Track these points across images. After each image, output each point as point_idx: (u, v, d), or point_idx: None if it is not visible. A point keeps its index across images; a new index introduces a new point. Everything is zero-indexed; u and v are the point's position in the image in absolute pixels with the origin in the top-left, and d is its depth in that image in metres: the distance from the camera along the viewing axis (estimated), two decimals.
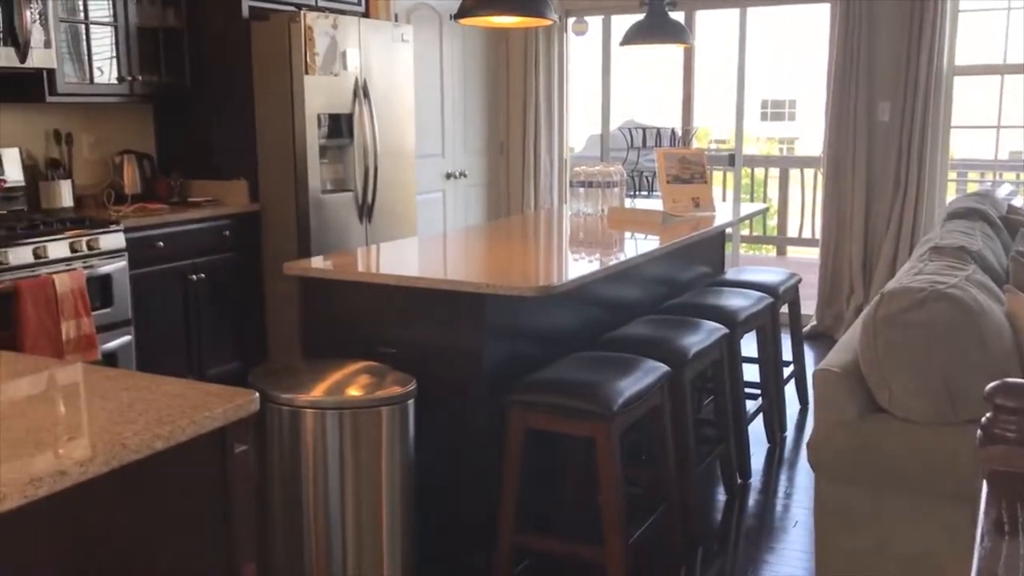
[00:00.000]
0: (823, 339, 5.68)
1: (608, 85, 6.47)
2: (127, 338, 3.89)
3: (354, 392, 2.55)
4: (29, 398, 1.65)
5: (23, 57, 3.73)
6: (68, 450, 1.33)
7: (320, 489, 2.50)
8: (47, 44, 3.81)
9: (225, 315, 4.45)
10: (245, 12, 4.48)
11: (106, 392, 1.60)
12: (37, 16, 3.75)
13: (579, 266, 3.13)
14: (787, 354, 4.43)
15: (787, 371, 4.42)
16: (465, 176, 6.27)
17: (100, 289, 3.77)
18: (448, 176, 6.12)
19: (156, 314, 4.09)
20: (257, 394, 1.60)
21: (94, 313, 3.68)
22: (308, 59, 4.41)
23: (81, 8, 4.12)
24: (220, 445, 1.57)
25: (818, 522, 2.33)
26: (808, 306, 5.51)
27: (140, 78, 4.36)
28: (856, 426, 2.27)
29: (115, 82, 4.28)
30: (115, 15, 4.24)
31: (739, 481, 3.62)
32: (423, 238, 4.26)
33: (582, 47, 6.80)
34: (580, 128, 7.17)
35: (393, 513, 2.56)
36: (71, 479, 1.29)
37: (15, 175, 4.08)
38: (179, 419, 1.46)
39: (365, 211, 4.86)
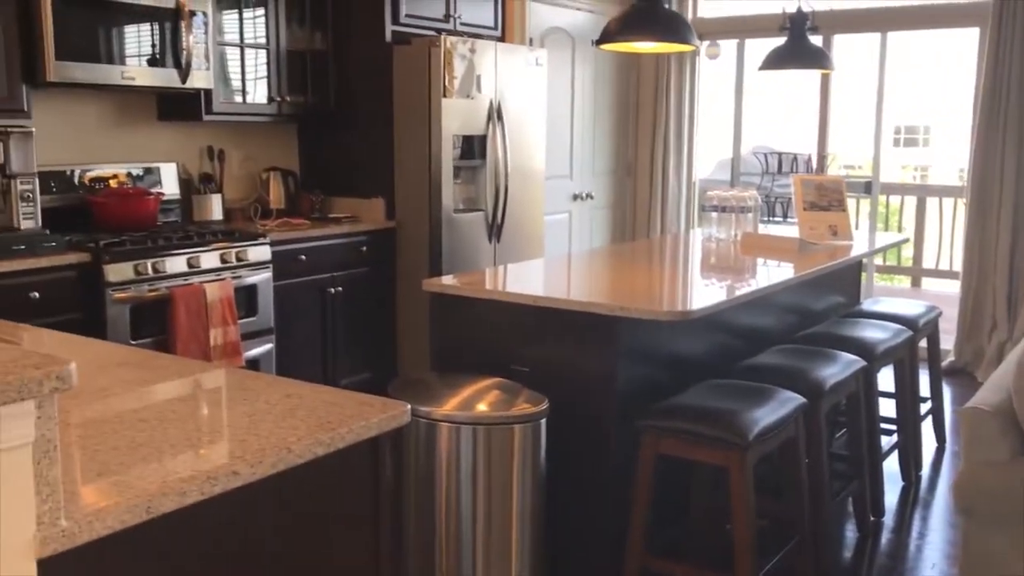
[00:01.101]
0: (962, 375, 5.44)
1: (740, 109, 6.40)
2: (269, 346, 4.06)
3: (488, 408, 2.60)
4: (199, 399, 1.75)
5: (184, 78, 3.97)
6: (239, 451, 1.41)
7: (453, 501, 2.55)
8: (206, 66, 4.04)
9: (358, 327, 4.60)
10: (388, 37, 4.64)
11: (269, 397, 1.69)
12: (199, 40, 3.98)
13: (715, 292, 3.11)
14: (924, 390, 4.27)
15: (924, 407, 4.25)
16: (592, 198, 6.30)
17: (246, 298, 3.96)
18: (575, 197, 6.16)
19: (296, 324, 4.26)
20: (409, 406, 1.66)
21: (239, 321, 3.87)
22: (446, 82, 4.53)
23: (237, 32, 4.35)
24: (373, 453, 1.63)
25: (963, 567, 2.24)
26: (946, 340, 5.29)
27: (288, 99, 4.57)
28: (1008, 468, 2.18)
29: (265, 102, 4.50)
30: (268, 39, 4.46)
31: (872, 519, 3.50)
32: (555, 259, 4.30)
33: (712, 70, 6.74)
34: (708, 152, 7.11)
35: (523, 530, 2.59)
36: (242, 479, 1.37)
37: (172, 189, 4.33)
38: (338, 426, 1.53)
39: (495, 230, 4.94)
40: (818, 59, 4.33)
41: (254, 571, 1.45)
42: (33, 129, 3.50)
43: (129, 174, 4.16)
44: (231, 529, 1.41)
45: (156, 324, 3.62)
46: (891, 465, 3.88)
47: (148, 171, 4.25)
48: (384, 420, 1.61)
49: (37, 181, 3.53)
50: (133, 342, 3.54)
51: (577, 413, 2.78)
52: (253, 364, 3.95)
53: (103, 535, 1.19)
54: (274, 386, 1.76)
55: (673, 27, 3.02)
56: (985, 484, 2.20)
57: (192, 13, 3.94)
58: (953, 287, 6.97)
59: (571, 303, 2.77)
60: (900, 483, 3.90)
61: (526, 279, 3.41)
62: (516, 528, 2.58)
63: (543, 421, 2.63)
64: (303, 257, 4.28)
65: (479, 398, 2.67)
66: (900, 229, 8.46)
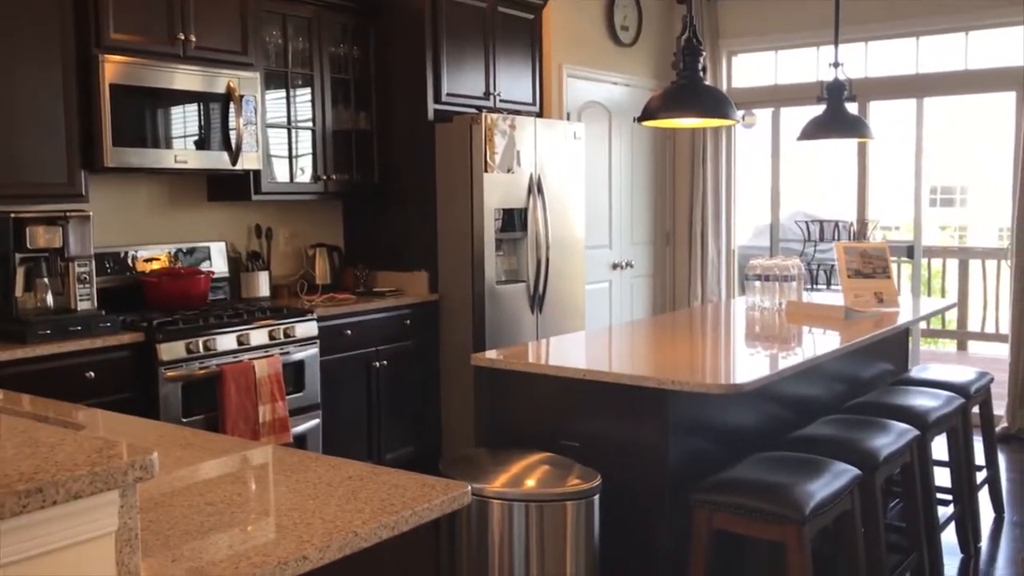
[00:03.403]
0: (1015, 442, 5.33)
1: (777, 176, 6.43)
2: (315, 421, 4.09)
3: (539, 485, 2.59)
4: (263, 482, 1.78)
5: (235, 160, 4.09)
6: (307, 535, 1.43)
7: None
8: (256, 147, 4.16)
9: (403, 400, 4.62)
10: (431, 115, 4.75)
11: (332, 480, 1.70)
12: (249, 122, 4.11)
13: (763, 363, 3.10)
14: (978, 458, 4.19)
15: (979, 476, 4.16)
16: (631, 267, 6.33)
17: (293, 374, 4.00)
18: (615, 266, 6.19)
19: (341, 399, 4.29)
20: (469, 487, 1.67)
21: (287, 397, 3.90)
22: (488, 157, 4.62)
23: (284, 113, 4.49)
24: (433, 534, 1.64)
25: None
26: (997, 406, 5.19)
27: (333, 177, 4.68)
28: None
29: (311, 181, 4.60)
30: (313, 119, 4.59)
31: None
32: (600, 330, 4.31)
33: (748, 137, 6.80)
34: (746, 219, 7.13)
35: None
36: (311, 563, 1.38)
37: (221, 267, 4.43)
38: (401, 509, 1.54)
39: (536, 301, 4.97)
40: (857, 128, 4.36)
41: None
42: (90, 213, 3.61)
43: (180, 253, 4.26)
44: None
45: (207, 401, 3.67)
46: (949, 537, 3.79)
47: (198, 250, 4.35)
48: (446, 502, 1.62)
49: (93, 263, 3.63)
50: (184, 420, 3.59)
51: (628, 488, 2.77)
52: (300, 440, 3.97)
53: None
54: (336, 468, 1.78)
55: (714, 103, 3.07)
56: None
57: (242, 97, 4.07)
58: (999, 350, 6.86)
59: (620, 376, 2.78)
60: (959, 555, 3.81)
61: (573, 352, 3.42)
62: None
63: (596, 497, 2.62)
64: (348, 332, 4.34)
65: (530, 474, 2.67)
66: (943, 292, 8.37)
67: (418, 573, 1.62)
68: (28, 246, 3.41)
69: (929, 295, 8.06)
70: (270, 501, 1.66)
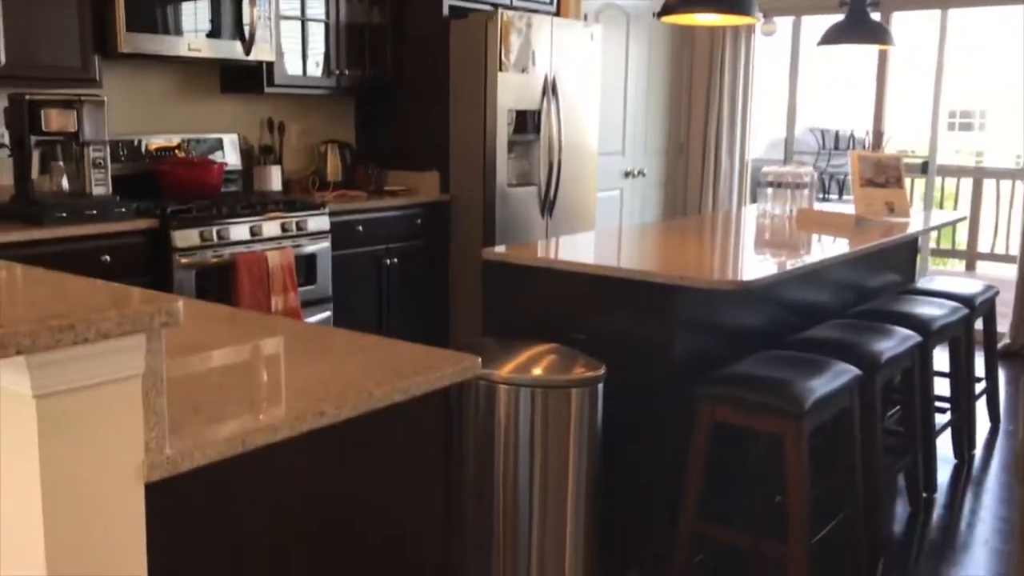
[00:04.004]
0: (1017, 358, 5.39)
1: (795, 87, 6.35)
2: (327, 314, 4.16)
3: (546, 372, 2.65)
4: (283, 350, 1.83)
5: (248, 50, 4.05)
6: (324, 394, 1.48)
7: (511, 463, 2.61)
8: (269, 39, 4.12)
9: (413, 298, 4.68)
10: (445, 11, 4.68)
11: (348, 348, 1.76)
12: (263, 13, 4.06)
13: (772, 264, 3.12)
14: (979, 370, 4.25)
15: (978, 388, 4.23)
16: (643, 175, 6.31)
17: (305, 267, 4.05)
18: (627, 174, 6.17)
19: (352, 293, 4.35)
20: (479, 358, 1.72)
21: (299, 289, 3.96)
22: (502, 56, 4.57)
23: (298, 5, 4.43)
24: (444, 404, 1.70)
25: (1019, 533, 2.25)
26: (1001, 324, 5.24)
27: (346, 72, 4.64)
28: None
29: (323, 75, 4.57)
30: (327, 13, 4.53)
31: (924, 495, 3.51)
32: (610, 231, 4.33)
33: (767, 48, 6.69)
34: (761, 131, 7.07)
35: (579, 492, 2.64)
36: (327, 419, 1.43)
37: (233, 159, 4.44)
38: (414, 375, 1.59)
39: (547, 206, 4.98)
40: (878, 34, 4.29)
41: (334, 509, 1.52)
42: (105, 98, 3.60)
43: (193, 143, 4.27)
44: (314, 467, 1.47)
45: (220, 290, 3.72)
46: (944, 443, 3.87)
47: (210, 141, 4.35)
48: (457, 371, 1.67)
49: (108, 149, 3.64)
50: None
51: (633, 381, 2.83)
52: None
53: (203, 464, 1.27)
54: (351, 339, 1.83)
55: None
56: None
57: None
58: (1008, 271, 6.87)
59: (630, 272, 2.81)
60: (952, 461, 3.90)
61: (581, 249, 3.45)
62: (572, 490, 2.64)
63: (600, 386, 2.68)
64: (360, 228, 4.36)
65: (537, 362, 2.72)
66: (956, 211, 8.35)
67: (429, 438, 1.68)
68: (43, 129, 3.42)
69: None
70: (288, 364, 1.71)
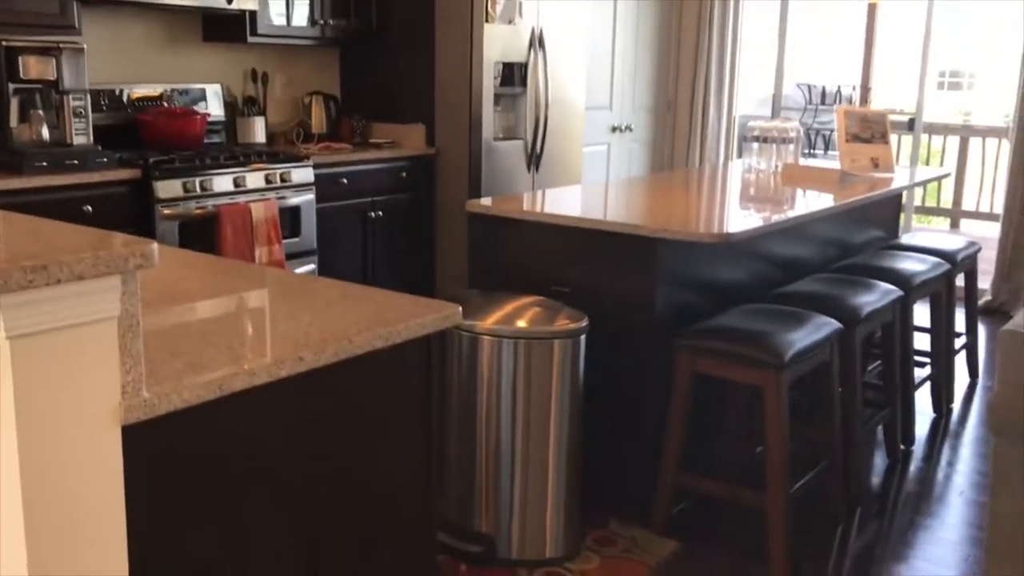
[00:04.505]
0: (997, 315, 5.43)
1: (784, 42, 6.31)
2: (311, 266, 4.15)
3: (529, 324, 2.66)
4: (264, 297, 1.83)
5: None
6: (303, 341, 1.48)
7: (493, 413, 2.63)
8: None
9: (397, 251, 4.67)
10: None
11: (329, 297, 1.76)
12: None
13: (755, 217, 3.13)
14: (959, 326, 4.28)
15: (958, 343, 4.27)
16: (631, 131, 6.28)
17: (290, 219, 4.03)
18: (614, 130, 6.14)
19: (337, 246, 4.33)
20: (460, 307, 1.72)
21: (284, 241, 3.94)
22: (489, 7, 4.52)
23: None
24: (425, 352, 1.70)
25: (994, 484, 2.29)
26: (983, 281, 5.27)
27: (331, 22, 4.58)
28: None
29: (308, 24, 4.51)
30: None
31: (902, 448, 3.56)
32: (595, 185, 4.32)
33: (753, 3, 6.62)
34: (749, 89, 7.03)
35: (561, 444, 2.67)
36: (306, 364, 1.44)
37: (216, 110, 4.39)
38: (395, 323, 1.60)
39: (533, 160, 4.96)
40: None
41: (313, 457, 1.53)
42: (84, 46, 3.55)
43: (175, 93, 4.22)
44: (293, 413, 1.48)
45: (204, 241, 3.70)
46: (923, 397, 3.92)
47: (193, 91, 4.30)
48: (438, 319, 1.67)
49: (88, 97, 3.60)
50: None
51: (616, 333, 2.84)
52: None
53: (180, 408, 1.27)
54: (333, 287, 1.83)
55: None
56: (1018, 404, 2.24)
57: None
58: (992, 230, 6.90)
59: (612, 224, 2.81)
60: (931, 415, 3.95)
61: (566, 203, 3.44)
62: (554, 441, 2.66)
63: (583, 337, 2.69)
64: (344, 181, 4.34)
65: (520, 314, 2.73)
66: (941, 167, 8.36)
67: (409, 385, 1.69)
68: (21, 76, 3.37)
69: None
70: (270, 312, 1.71)
